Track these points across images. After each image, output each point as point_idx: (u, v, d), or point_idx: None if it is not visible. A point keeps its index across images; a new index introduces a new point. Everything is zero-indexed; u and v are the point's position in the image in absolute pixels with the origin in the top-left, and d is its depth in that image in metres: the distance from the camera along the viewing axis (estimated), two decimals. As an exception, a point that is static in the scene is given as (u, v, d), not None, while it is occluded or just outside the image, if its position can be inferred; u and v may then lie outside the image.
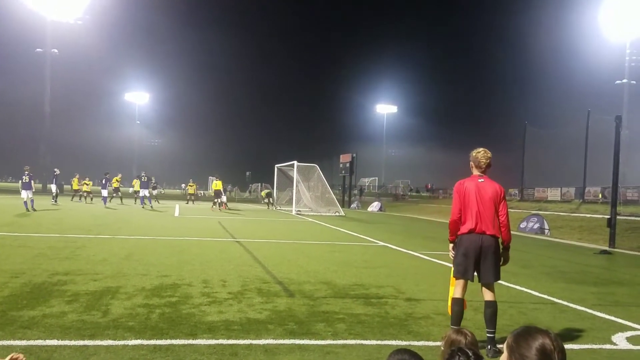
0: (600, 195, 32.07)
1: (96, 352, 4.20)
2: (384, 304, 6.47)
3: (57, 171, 32.04)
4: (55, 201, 29.35)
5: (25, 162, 28.70)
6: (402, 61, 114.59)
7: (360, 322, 5.54)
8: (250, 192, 62.98)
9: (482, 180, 4.97)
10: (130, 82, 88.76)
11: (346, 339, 4.89)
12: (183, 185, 61.88)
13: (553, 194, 36.88)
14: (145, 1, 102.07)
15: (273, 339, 4.78)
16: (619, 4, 49.13)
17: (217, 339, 4.68)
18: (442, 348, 2.49)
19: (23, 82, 75.79)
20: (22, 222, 16.34)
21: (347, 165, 40.52)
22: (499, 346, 4.61)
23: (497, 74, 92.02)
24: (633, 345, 5.24)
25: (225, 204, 31.33)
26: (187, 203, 36.17)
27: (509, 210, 5.13)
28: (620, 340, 5.35)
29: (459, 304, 4.89)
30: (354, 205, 42.71)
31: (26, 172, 22.12)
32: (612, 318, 6.33)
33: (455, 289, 4.95)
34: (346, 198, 43.54)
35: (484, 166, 5.01)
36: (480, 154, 5.01)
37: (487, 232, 4.85)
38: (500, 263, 4.98)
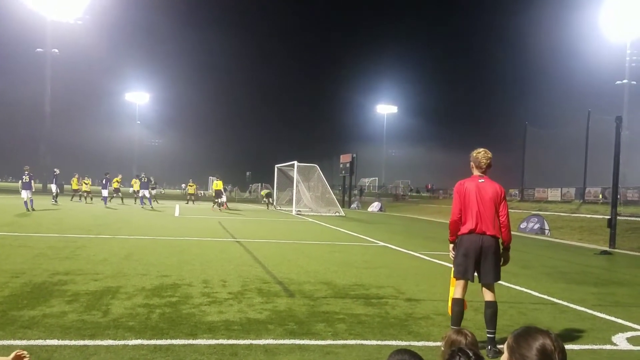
0: (600, 196, 32.08)
1: (96, 352, 4.20)
2: (384, 304, 6.47)
3: (57, 171, 32.05)
4: (56, 201, 29.36)
5: (26, 162, 28.73)
6: (402, 61, 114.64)
7: (361, 322, 5.54)
8: (250, 192, 63.01)
9: (483, 180, 4.97)
10: (130, 82, 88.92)
11: (346, 339, 4.89)
12: (183, 185, 61.90)
13: (553, 194, 36.88)
14: (146, 1, 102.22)
15: (273, 339, 4.78)
16: (619, 4, 49.15)
17: (217, 339, 4.68)
18: (443, 348, 2.49)
19: (23, 82, 75.88)
20: (22, 222, 16.35)
21: (347, 165, 40.53)
22: (499, 346, 4.61)
23: (497, 74, 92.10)
24: (633, 345, 5.24)
25: (226, 203, 31.35)
26: (187, 203, 36.19)
27: (509, 210, 5.13)
28: (620, 341, 5.34)
29: (459, 305, 4.89)
30: (354, 205, 42.71)
31: (26, 172, 22.13)
32: (613, 318, 6.32)
33: (455, 290, 4.95)
34: (346, 198, 43.55)
35: (484, 166, 5.01)
36: (480, 154, 5.01)
37: (488, 233, 4.85)
38: (501, 263, 4.98)
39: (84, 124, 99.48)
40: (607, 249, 15.24)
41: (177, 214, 24.79)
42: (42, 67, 56.31)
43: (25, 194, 21.48)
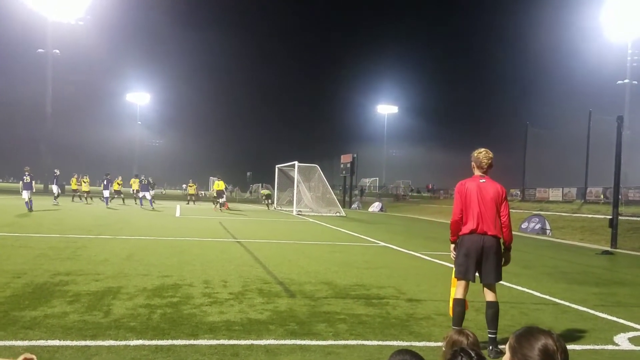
0: (602, 196, 32.05)
1: (98, 352, 4.20)
2: (385, 305, 6.46)
3: (58, 172, 32.05)
4: (56, 202, 29.39)
5: (27, 162, 28.74)
6: (403, 61, 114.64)
7: (362, 322, 5.54)
8: (251, 192, 63.03)
9: (484, 180, 4.97)
10: (131, 82, 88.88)
11: (347, 340, 4.88)
12: (184, 185, 61.92)
13: (554, 194, 36.86)
14: (146, 2, 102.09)
15: (274, 339, 4.78)
16: (620, 4, 49.09)
17: (219, 340, 4.68)
18: (444, 349, 2.49)
19: (24, 82, 75.89)
20: (23, 222, 16.36)
21: (348, 165, 40.51)
22: (501, 347, 4.61)
23: (497, 74, 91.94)
24: (635, 345, 5.23)
25: (226, 204, 31.36)
26: (188, 203, 36.22)
27: (510, 210, 5.12)
28: (622, 341, 5.34)
29: (461, 305, 4.88)
30: (354, 205, 42.70)
31: (26, 173, 22.15)
32: (614, 319, 6.32)
33: (456, 290, 4.94)
34: (347, 198, 43.53)
35: (485, 166, 5.01)
36: (481, 154, 5.01)
37: (489, 233, 4.84)
38: (502, 264, 4.97)
39: (85, 124, 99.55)
40: (608, 249, 15.23)
41: (177, 214, 24.81)
42: (43, 68, 56.38)
43: (26, 195, 21.51)
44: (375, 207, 40.29)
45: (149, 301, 6.04)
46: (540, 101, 74.61)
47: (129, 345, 4.40)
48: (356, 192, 55.31)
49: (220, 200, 29.47)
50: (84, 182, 33.26)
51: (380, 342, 4.87)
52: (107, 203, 29.23)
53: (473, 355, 2.08)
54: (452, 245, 5.11)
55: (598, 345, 5.17)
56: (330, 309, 6.09)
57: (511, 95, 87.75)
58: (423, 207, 40.69)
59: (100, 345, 4.37)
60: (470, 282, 4.94)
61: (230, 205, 33.60)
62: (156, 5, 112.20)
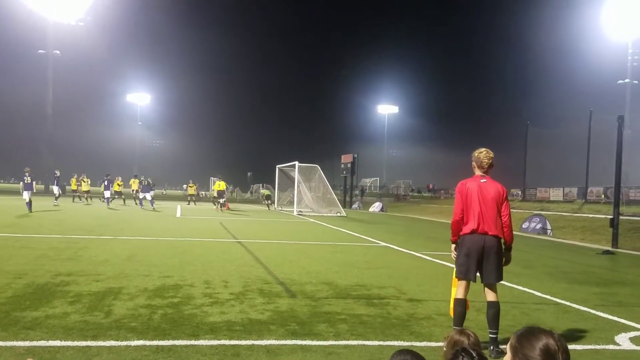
0: (602, 196, 32.05)
1: (99, 352, 4.21)
2: (385, 305, 6.46)
3: (58, 173, 32.07)
4: (57, 202, 29.40)
5: (27, 163, 28.74)
6: (403, 61, 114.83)
7: (362, 322, 5.54)
8: (251, 192, 63.02)
9: (485, 180, 4.97)
10: (132, 83, 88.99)
11: (348, 340, 4.88)
12: (184, 186, 61.95)
13: (555, 194, 36.84)
14: (147, 2, 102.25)
15: (275, 339, 4.78)
16: (621, 4, 49.07)
17: (219, 340, 4.68)
18: (445, 349, 2.48)
19: (25, 83, 76.03)
20: (23, 223, 16.37)
21: (349, 165, 40.49)
22: (502, 347, 4.61)
23: (497, 74, 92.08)
24: (636, 345, 5.23)
25: (227, 204, 31.37)
26: (189, 204, 36.24)
27: (511, 210, 5.12)
28: (623, 341, 5.33)
29: (462, 305, 4.88)
30: (355, 205, 42.68)
31: (27, 173, 22.17)
32: (615, 318, 6.31)
33: (457, 290, 4.94)
34: (347, 198, 43.52)
35: (486, 166, 5.01)
36: (482, 154, 5.01)
37: (490, 233, 4.84)
38: (503, 263, 4.97)
39: (85, 125, 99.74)
40: (609, 248, 15.21)
41: (178, 214, 24.82)
42: (44, 69, 56.41)
43: (26, 195, 21.52)
44: (376, 207, 40.27)
45: (150, 301, 6.04)
46: (541, 101, 74.66)
47: (130, 345, 4.40)
48: (357, 192, 55.29)
49: (221, 201, 29.51)
50: (84, 182, 33.25)
51: (381, 342, 4.87)
52: (108, 203, 29.26)
53: (474, 355, 2.08)
54: (453, 245, 5.10)
55: (599, 345, 5.16)
56: (331, 309, 6.09)
57: (511, 95, 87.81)
58: (424, 207, 40.67)
59: (101, 346, 4.37)
60: (471, 282, 4.94)
61: (230, 205, 33.63)
62: (156, 6, 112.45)
